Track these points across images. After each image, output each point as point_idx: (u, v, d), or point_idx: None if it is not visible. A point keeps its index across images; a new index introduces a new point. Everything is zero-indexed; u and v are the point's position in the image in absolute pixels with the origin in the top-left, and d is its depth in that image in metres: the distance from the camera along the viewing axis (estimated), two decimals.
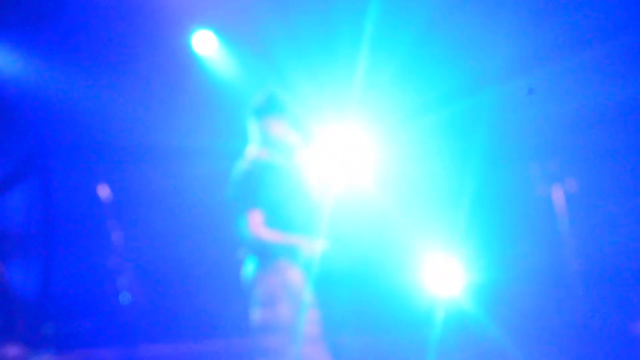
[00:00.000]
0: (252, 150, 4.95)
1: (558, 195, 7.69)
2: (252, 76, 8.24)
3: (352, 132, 7.40)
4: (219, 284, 8.41)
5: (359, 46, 7.77)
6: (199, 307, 8.29)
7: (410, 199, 7.73)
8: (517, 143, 8.20)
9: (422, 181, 7.87)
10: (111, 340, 7.06)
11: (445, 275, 6.59)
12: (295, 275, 4.77)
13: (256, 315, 4.75)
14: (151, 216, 8.30)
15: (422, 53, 8.09)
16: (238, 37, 8.20)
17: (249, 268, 4.81)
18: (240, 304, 8.32)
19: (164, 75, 8.23)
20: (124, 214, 6.62)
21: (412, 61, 8.02)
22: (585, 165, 7.91)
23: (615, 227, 7.97)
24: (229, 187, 4.86)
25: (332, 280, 7.95)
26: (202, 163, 8.26)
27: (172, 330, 7.79)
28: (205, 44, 8.20)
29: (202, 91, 8.36)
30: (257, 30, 7.91)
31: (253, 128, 4.96)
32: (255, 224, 4.66)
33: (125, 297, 6.25)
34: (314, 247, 4.72)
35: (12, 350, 7.17)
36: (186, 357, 7.37)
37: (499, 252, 7.76)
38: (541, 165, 7.73)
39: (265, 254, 4.72)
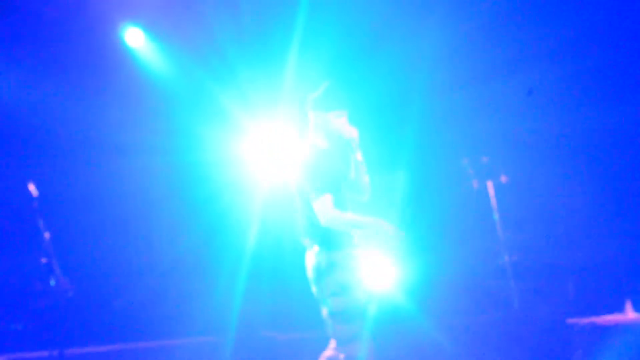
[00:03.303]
0: (309, 137, 4.93)
1: (490, 190, 7.78)
2: (182, 70, 8.24)
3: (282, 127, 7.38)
4: (149, 282, 8.35)
5: (289, 42, 7.82)
6: (131, 307, 8.20)
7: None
8: (450, 139, 8.27)
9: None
10: (40, 342, 6.92)
11: (379, 270, 6.59)
12: (362, 263, 4.85)
13: (334, 303, 4.73)
14: (81, 213, 8.20)
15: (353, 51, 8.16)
16: (167, 32, 8.18)
17: (317, 258, 4.79)
18: (169, 305, 8.29)
19: (94, 71, 8.16)
20: (53, 211, 6.53)
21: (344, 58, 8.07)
22: (517, 161, 8.02)
23: (546, 221, 8.10)
24: (295, 174, 4.84)
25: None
26: (132, 158, 8.20)
27: (102, 330, 7.67)
28: (135, 39, 8.18)
29: (133, 86, 8.31)
30: (185, 26, 7.93)
31: (310, 117, 4.95)
32: (331, 208, 4.67)
33: (54, 297, 6.15)
34: (389, 228, 4.77)
35: None
36: (116, 357, 7.28)
37: (433, 247, 7.82)
38: (473, 160, 7.82)
39: (337, 243, 4.76)
